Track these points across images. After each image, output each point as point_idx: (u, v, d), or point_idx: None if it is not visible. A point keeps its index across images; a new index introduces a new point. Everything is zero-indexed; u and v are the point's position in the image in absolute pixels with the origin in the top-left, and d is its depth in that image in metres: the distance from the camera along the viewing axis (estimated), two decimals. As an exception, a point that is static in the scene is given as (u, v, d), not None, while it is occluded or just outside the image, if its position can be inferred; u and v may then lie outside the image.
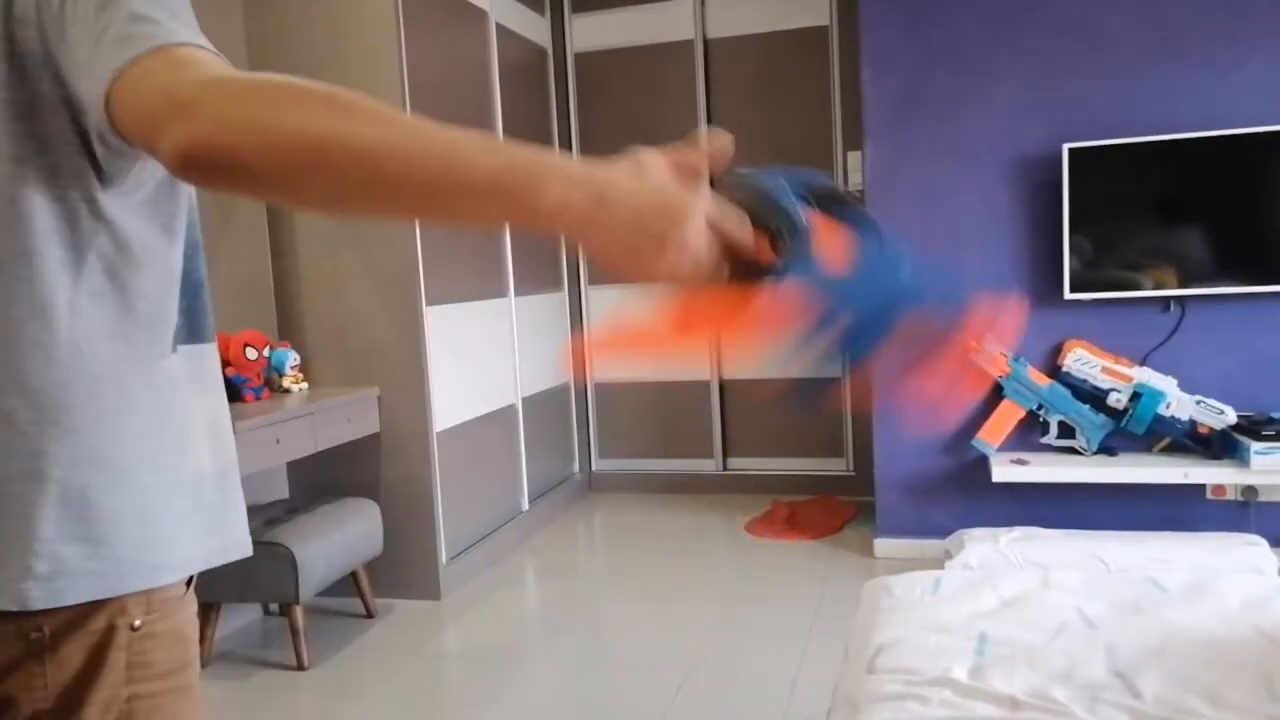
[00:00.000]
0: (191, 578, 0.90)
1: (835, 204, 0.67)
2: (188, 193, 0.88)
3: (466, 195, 0.61)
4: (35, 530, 0.78)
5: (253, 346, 2.94)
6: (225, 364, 2.87)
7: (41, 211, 0.78)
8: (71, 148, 0.78)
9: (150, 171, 0.83)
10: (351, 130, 0.60)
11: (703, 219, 0.62)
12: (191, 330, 0.90)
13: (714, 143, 0.68)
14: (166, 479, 0.85)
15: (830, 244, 0.64)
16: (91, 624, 0.80)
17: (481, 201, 0.61)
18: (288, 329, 3.32)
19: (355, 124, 0.60)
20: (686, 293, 0.66)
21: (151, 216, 0.84)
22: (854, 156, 4.14)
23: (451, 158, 0.60)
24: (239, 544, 0.94)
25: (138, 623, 0.82)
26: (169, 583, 0.85)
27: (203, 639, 2.73)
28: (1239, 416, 3.07)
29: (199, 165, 0.63)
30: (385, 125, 0.61)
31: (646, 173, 0.62)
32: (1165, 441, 3.20)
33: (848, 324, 0.63)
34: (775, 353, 0.65)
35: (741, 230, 0.64)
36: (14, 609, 0.77)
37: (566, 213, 0.60)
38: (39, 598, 0.77)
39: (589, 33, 4.57)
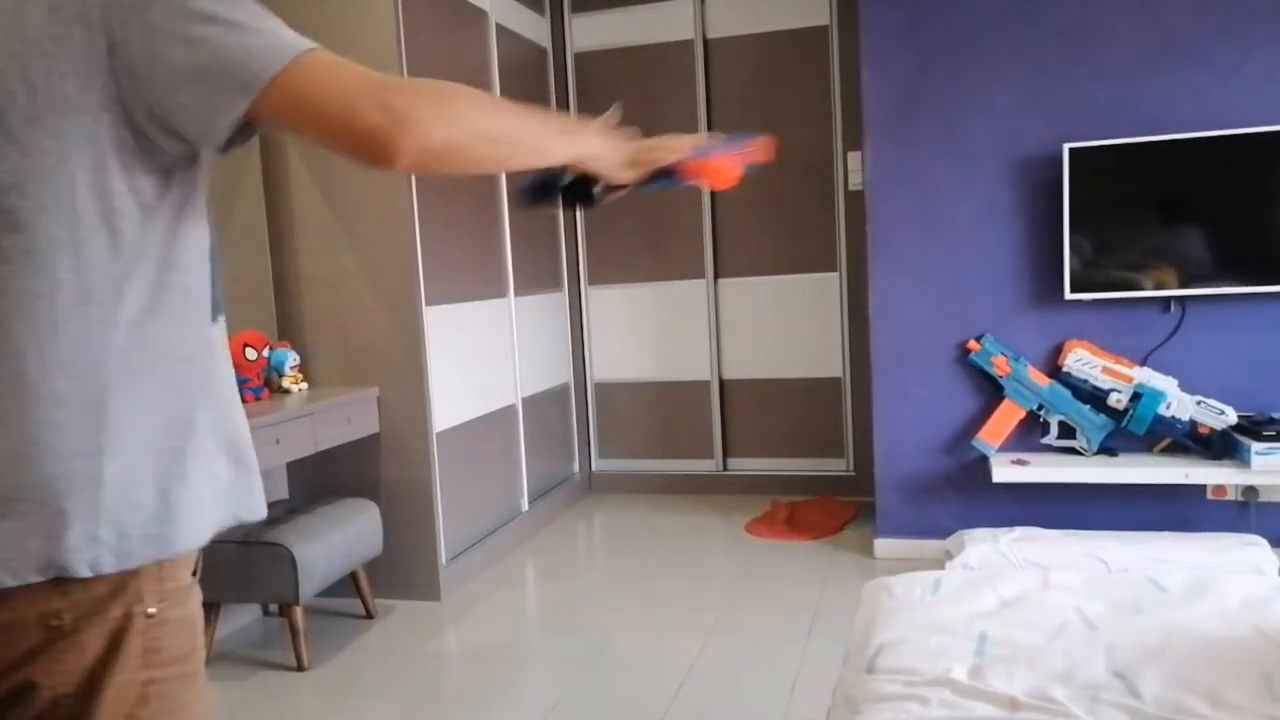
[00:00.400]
0: (196, 569, 0.94)
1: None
2: (207, 175, 0.93)
3: (555, 142, 1.00)
4: (98, 500, 0.82)
5: (252, 347, 2.94)
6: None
7: (91, 203, 0.82)
8: (125, 141, 0.82)
9: (196, 160, 0.88)
10: (506, 120, 0.93)
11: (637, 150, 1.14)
12: (219, 305, 0.96)
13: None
14: (206, 444, 0.91)
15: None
16: (110, 611, 0.84)
17: (561, 144, 1.02)
18: (287, 329, 3.32)
19: (505, 114, 0.93)
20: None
21: (189, 200, 0.89)
22: (854, 156, 4.14)
23: (545, 124, 0.99)
24: (256, 505, 0.99)
25: (152, 610, 0.87)
26: (205, 541, 0.91)
27: (202, 639, 2.73)
28: (1239, 417, 3.07)
29: (430, 159, 0.84)
30: (512, 112, 0.94)
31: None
32: (1166, 442, 3.20)
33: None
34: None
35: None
36: (89, 574, 0.82)
37: (593, 145, 1.06)
38: (110, 562, 0.83)
39: (589, 32, 4.57)
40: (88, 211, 0.82)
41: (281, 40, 0.83)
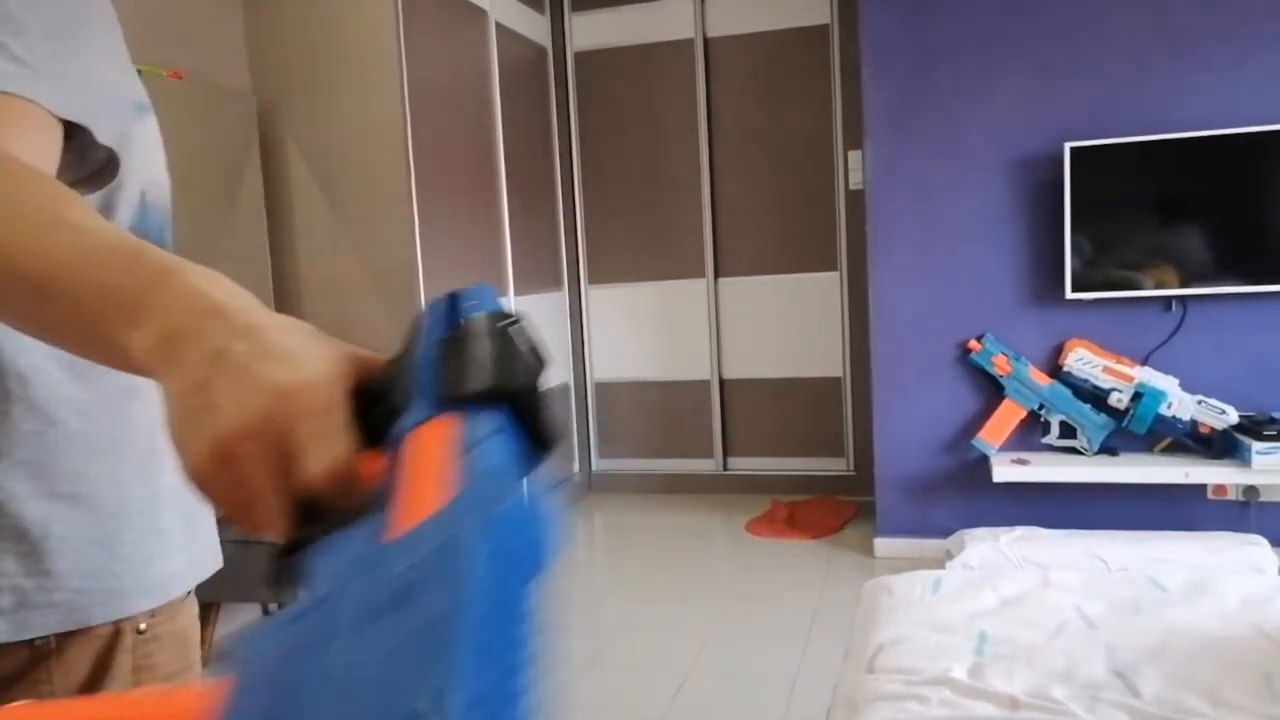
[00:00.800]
0: None
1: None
2: (139, 194, 0.84)
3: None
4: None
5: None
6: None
7: None
8: None
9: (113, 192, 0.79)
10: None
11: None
12: None
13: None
14: (135, 499, 0.82)
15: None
16: (98, 628, 0.79)
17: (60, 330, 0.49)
18: (288, 329, 3.32)
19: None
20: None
21: None
22: (854, 156, 4.14)
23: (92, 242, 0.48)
24: (217, 555, 0.92)
25: (143, 626, 0.81)
26: (171, 599, 0.83)
27: (203, 639, 2.73)
28: (1240, 416, 3.06)
29: None
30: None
31: (299, 343, 0.42)
32: (1166, 441, 3.19)
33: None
34: None
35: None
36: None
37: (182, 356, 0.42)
38: (3, 630, 0.76)
39: (589, 31, 4.57)
40: None
41: None
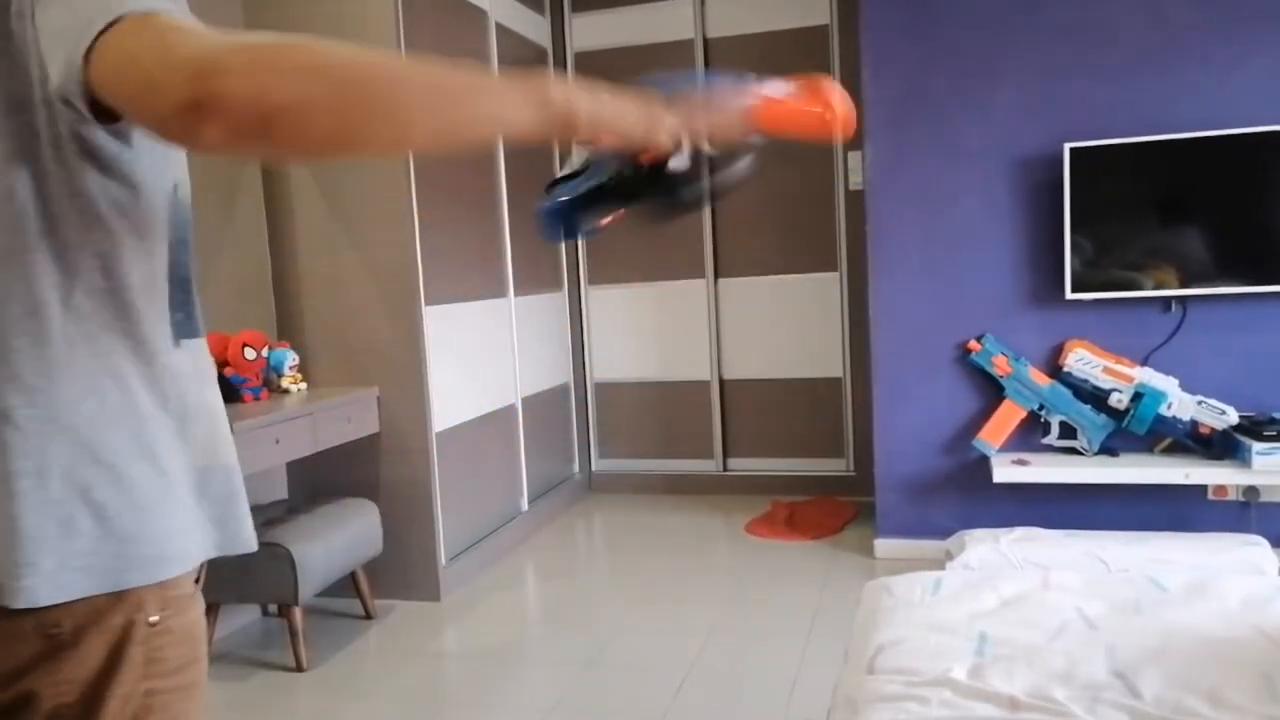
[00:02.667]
0: (199, 576, 0.91)
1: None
2: (172, 187, 0.88)
3: (486, 94, 0.74)
4: (39, 526, 0.78)
5: (251, 347, 2.93)
6: (224, 364, 2.87)
7: (34, 208, 0.78)
8: (67, 141, 0.78)
9: (144, 162, 0.83)
10: (370, 58, 0.68)
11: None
12: (188, 325, 0.91)
13: None
14: (167, 471, 0.85)
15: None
16: (110, 619, 0.81)
17: (499, 97, 0.75)
18: (287, 329, 3.32)
19: (370, 54, 0.69)
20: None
21: (140, 211, 0.84)
22: (854, 156, 4.14)
23: (459, 71, 0.72)
24: (243, 538, 0.94)
25: (154, 618, 0.83)
26: (174, 575, 0.85)
27: (202, 639, 2.72)
28: (1240, 417, 3.06)
29: (233, 120, 0.64)
30: (386, 55, 0.70)
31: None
32: (1166, 442, 3.19)
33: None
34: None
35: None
36: (22, 607, 0.78)
37: (570, 101, 0.77)
38: (46, 594, 0.78)
39: (589, 32, 4.57)
40: (36, 218, 0.78)
41: (114, 5, 0.70)
